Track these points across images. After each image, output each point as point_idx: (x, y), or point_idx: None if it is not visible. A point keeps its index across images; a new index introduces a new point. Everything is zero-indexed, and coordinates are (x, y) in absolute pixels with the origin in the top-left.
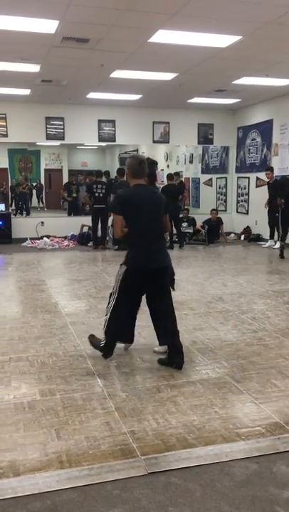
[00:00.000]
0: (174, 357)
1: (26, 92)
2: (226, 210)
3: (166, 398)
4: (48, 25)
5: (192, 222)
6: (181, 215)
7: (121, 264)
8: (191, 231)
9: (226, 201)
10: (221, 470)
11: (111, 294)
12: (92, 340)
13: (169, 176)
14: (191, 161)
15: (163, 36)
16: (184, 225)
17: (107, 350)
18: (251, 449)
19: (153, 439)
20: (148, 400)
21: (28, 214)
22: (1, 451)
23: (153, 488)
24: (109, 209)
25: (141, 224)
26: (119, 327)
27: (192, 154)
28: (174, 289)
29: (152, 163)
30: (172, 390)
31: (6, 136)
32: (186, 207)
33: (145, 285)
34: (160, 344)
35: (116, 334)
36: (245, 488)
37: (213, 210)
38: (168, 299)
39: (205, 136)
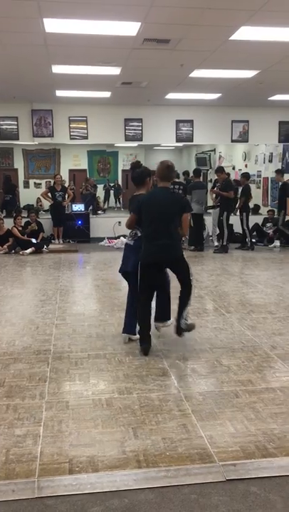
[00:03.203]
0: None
1: (107, 94)
2: None
3: (245, 404)
4: (130, 28)
5: (277, 222)
6: (266, 216)
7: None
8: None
9: None
10: None
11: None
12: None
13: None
14: (270, 160)
15: (245, 33)
16: (268, 225)
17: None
18: None
19: (231, 445)
20: (225, 404)
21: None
22: (81, 446)
23: (231, 495)
24: (130, 208)
25: (147, 221)
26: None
27: (272, 153)
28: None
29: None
30: (251, 396)
31: (86, 138)
32: (270, 208)
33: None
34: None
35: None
36: None
37: None
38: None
39: (286, 134)
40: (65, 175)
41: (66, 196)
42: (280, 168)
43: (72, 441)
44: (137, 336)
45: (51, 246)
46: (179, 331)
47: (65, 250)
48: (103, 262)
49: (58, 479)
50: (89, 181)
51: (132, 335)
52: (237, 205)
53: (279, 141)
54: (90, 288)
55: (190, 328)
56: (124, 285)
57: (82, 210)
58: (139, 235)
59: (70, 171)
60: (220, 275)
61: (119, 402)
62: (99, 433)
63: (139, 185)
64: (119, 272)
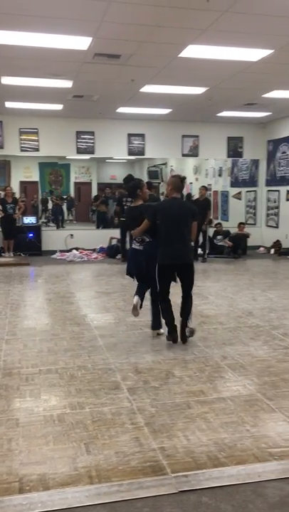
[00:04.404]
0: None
1: (58, 107)
2: (255, 224)
3: (197, 415)
4: (81, 42)
5: (227, 234)
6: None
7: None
8: (226, 244)
9: (255, 214)
10: (254, 491)
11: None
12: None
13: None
14: (220, 175)
15: (193, 51)
16: (219, 237)
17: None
18: (285, 469)
19: (183, 456)
20: (178, 416)
21: None
22: (31, 464)
23: (183, 507)
24: (145, 215)
25: (164, 228)
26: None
27: (221, 168)
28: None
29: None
30: (202, 407)
31: (37, 150)
32: (217, 221)
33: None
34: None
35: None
36: (278, 511)
37: (241, 223)
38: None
39: (234, 149)
40: (15, 187)
41: (17, 208)
42: (229, 182)
43: (23, 460)
44: (161, 331)
45: (1, 259)
46: (184, 337)
47: (16, 263)
48: (55, 275)
49: (7, 499)
50: (55, 195)
51: (140, 300)
52: (206, 220)
53: (228, 156)
54: (41, 302)
55: (192, 333)
56: (77, 299)
57: (34, 222)
58: (147, 240)
59: (21, 182)
60: (172, 287)
61: (71, 417)
62: (50, 450)
63: (133, 198)
64: (127, 274)
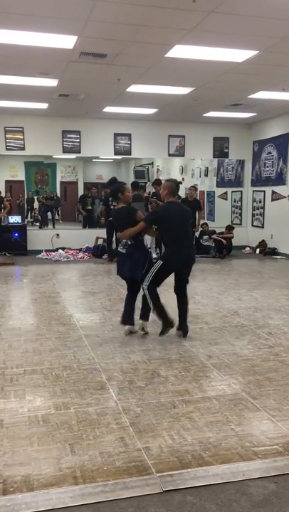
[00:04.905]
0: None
1: (44, 106)
2: (241, 224)
3: (182, 414)
4: (66, 41)
5: (213, 234)
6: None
7: (157, 260)
8: (212, 244)
9: (241, 215)
10: (238, 489)
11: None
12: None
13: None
14: (206, 175)
15: (179, 51)
16: (205, 237)
17: None
18: (269, 468)
19: (168, 456)
20: (163, 415)
21: None
22: (15, 465)
23: (168, 506)
24: (144, 219)
25: (171, 231)
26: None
27: (207, 168)
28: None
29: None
30: (187, 406)
31: (23, 149)
32: (203, 221)
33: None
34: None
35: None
36: (262, 509)
37: (229, 226)
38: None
39: (220, 149)
40: (1, 186)
41: (2, 208)
42: (215, 182)
43: (7, 461)
44: (135, 328)
45: None
46: (186, 331)
47: (0, 263)
48: (41, 275)
49: None
50: (41, 195)
51: (132, 326)
52: (197, 221)
53: (214, 157)
54: (26, 302)
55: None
56: (63, 299)
57: (19, 222)
58: (129, 243)
59: (7, 181)
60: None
61: (56, 418)
62: (34, 451)
63: (116, 200)
64: (117, 274)
